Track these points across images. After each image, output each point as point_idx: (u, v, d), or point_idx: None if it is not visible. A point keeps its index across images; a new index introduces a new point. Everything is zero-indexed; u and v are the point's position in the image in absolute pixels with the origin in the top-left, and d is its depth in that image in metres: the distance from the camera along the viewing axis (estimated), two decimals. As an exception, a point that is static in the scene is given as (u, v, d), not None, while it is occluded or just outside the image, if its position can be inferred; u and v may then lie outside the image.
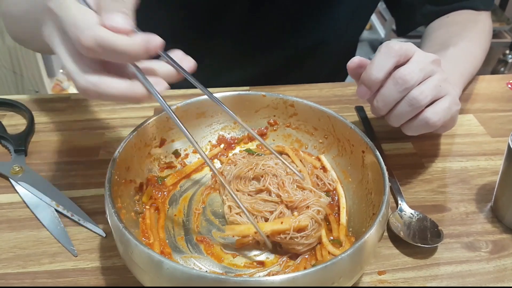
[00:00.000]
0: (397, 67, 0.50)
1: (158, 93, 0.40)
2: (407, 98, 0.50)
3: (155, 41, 0.38)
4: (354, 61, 0.53)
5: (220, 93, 0.57)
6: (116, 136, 0.65)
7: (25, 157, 0.61)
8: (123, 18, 0.37)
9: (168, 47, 0.42)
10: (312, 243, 0.47)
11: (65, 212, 0.53)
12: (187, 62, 0.44)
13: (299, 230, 0.46)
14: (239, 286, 0.35)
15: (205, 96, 0.57)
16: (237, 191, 0.51)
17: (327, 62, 0.87)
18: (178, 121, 0.42)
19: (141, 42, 0.37)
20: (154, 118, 0.54)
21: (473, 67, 0.72)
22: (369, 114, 0.69)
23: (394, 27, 2.54)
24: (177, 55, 0.44)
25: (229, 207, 0.51)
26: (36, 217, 0.53)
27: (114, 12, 0.37)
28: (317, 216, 0.47)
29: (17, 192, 0.55)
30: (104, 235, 0.51)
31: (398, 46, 0.49)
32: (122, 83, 0.39)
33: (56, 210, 0.53)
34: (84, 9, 0.38)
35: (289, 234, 0.45)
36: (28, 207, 0.54)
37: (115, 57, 0.37)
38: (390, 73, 0.50)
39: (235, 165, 0.55)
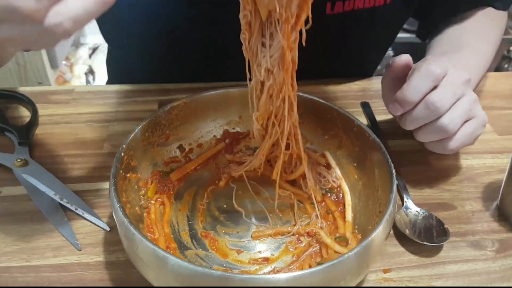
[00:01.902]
0: None
1: None
2: (437, 124, 0.50)
3: None
4: (403, 59, 0.53)
5: (227, 88, 0.57)
6: (121, 129, 0.65)
7: (29, 149, 0.60)
8: None
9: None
10: None
11: (68, 205, 0.52)
12: None
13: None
14: (244, 285, 0.35)
15: (211, 91, 0.57)
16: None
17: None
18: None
19: None
20: (159, 112, 0.54)
21: (485, 67, 0.71)
22: (375, 110, 0.69)
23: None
24: None
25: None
26: (39, 210, 0.52)
27: None
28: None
29: (21, 185, 0.55)
30: (108, 229, 0.51)
31: (438, 70, 0.50)
32: None
33: (60, 204, 0.53)
34: None
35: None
36: (32, 199, 0.53)
37: None
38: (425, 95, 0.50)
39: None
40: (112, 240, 0.50)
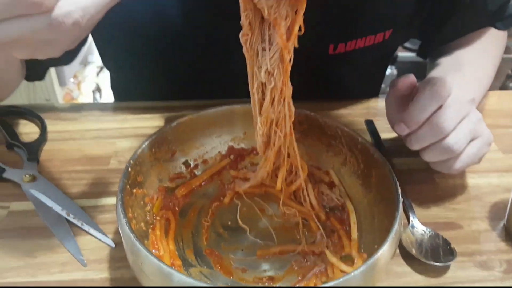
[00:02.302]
0: None
1: None
2: (443, 144, 0.51)
3: None
4: (407, 79, 0.54)
5: (232, 105, 0.57)
6: (127, 145, 0.66)
7: (37, 165, 0.61)
8: None
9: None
10: None
11: (75, 221, 0.53)
12: None
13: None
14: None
15: (217, 108, 0.58)
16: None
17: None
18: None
19: None
20: (166, 128, 0.54)
21: (487, 84, 0.72)
22: (379, 128, 0.69)
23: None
24: None
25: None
26: (46, 225, 0.53)
27: None
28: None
29: (28, 200, 0.55)
30: (113, 245, 0.51)
31: (444, 91, 0.50)
32: None
33: (67, 219, 0.53)
34: None
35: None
36: (39, 215, 0.54)
37: None
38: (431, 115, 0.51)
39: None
40: (117, 257, 0.50)
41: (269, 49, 0.43)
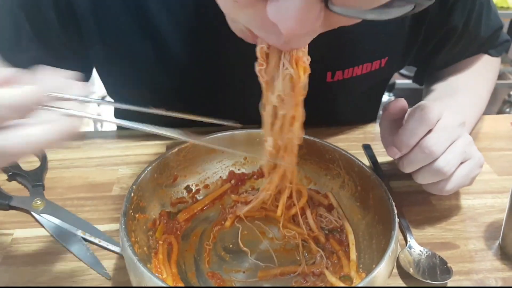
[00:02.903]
0: None
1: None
2: (433, 167, 0.52)
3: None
4: (398, 103, 0.56)
5: (233, 131, 0.59)
6: (129, 172, 0.67)
7: (43, 191, 0.62)
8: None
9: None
10: None
11: (92, 239, 0.54)
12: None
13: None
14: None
15: (218, 133, 0.60)
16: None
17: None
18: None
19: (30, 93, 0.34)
20: (168, 154, 0.56)
21: (481, 109, 0.74)
22: (376, 152, 0.71)
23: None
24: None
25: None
26: (65, 247, 0.54)
27: None
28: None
29: (42, 225, 0.57)
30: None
31: (432, 115, 0.52)
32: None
33: (83, 238, 0.54)
34: None
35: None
36: (55, 238, 0.55)
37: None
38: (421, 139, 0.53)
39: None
40: (121, 280, 0.50)
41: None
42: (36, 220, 0.57)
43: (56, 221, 0.56)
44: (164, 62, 0.67)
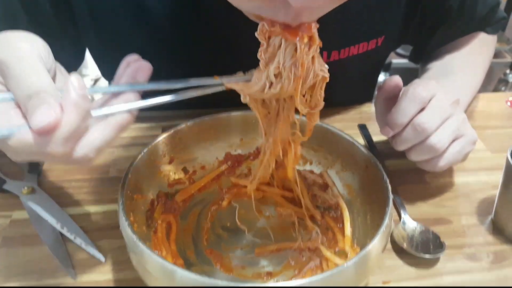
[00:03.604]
0: None
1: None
2: (425, 144, 0.53)
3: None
4: (393, 81, 0.56)
5: (229, 112, 0.60)
6: (125, 154, 0.67)
7: (39, 177, 0.62)
8: (46, 111, 0.34)
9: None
10: None
11: (68, 234, 0.54)
12: (142, 73, 0.43)
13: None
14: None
15: (213, 115, 0.60)
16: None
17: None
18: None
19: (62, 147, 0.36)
20: (164, 136, 0.56)
21: (475, 87, 0.74)
22: (372, 132, 0.71)
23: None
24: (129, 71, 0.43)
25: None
26: (40, 238, 0.53)
27: (36, 109, 0.34)
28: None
29: (27, 213, 0.56)
30: (103, 260, 0.51)
31: (424, 93, 0.53)
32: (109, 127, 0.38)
33: (61, 233, 0.54)
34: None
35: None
36: (34, 226, 0.55)
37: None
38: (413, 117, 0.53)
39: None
40: (121, 260, 0.51)
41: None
42: (24, 207, 0.57)
43: (39, 210, 0.56)
44: (156, 43, 0.67)
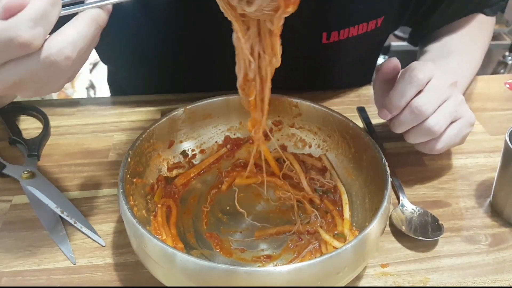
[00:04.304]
0: None
1: None
2: (423, 127, 0.53)
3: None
4: (390, 63, 0.56)
5: (227, 96, 0.59)
6: (125, 138, 0.67)
7: (38, 161, 0.62)
8: None
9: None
10: None
11: (68, 219, 0.54)
12: None
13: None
14: (249, 277, 0.37)
15: (212, 99, 0.60)
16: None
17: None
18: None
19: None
20: (163, 119, 0.56)
21: (474, 70, 0.74)
22: (371, 114, 0.71)
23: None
24: None
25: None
26: (40, 222, 0.54)
27: None
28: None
29: (27, 197, 0.57)
30: (103, 244, 0.52)
31: (421, 76, 0.52)
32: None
33: (61, 217, 0.54)
34: None
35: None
36: (34, 211, 0.55)
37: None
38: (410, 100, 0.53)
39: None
40: (121, 243, 0.51)
41: None
42: (24, 191, 0.57)
43: (39, 194, 0.56)
44: (152, 25, 0.66)
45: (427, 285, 0.47)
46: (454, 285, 0.47)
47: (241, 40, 0.44)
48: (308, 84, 0.76)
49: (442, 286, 0.47)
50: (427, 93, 0.52)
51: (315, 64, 0.76)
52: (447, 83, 0.54)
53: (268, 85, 0.48)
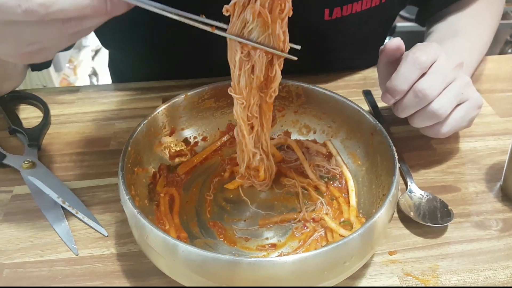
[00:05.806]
0: None
1: None
2: (427, 110, 0.51)
3: None
4: (393, 43, 0.53)
5: (229, 81, 0.58)
6: (126, 126, 0.66)
7: (38, 151, 0.61)
8: None
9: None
10: None
11: (70, 209, 0.53)
12: None
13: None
14: (252, 268, 0.36)
15: (214, 84, 0.58)
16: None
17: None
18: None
19: None
20: (164, 107, 0.55)
21: (482, 50, 0.72)
22: (377, 98, 0.69)
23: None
24: None
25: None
26: (42, 212, 0.53)
27: None
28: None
29: (28, 187, 0.56)
30: (106, 234, 0.51)
31: (424, 58, 0.50)
32: None
33: (62, 207, 0.53)
34: None
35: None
36: (35, 201, 0.54)
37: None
38: (414, 83, 0.51)
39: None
40: (123, 233, 0.51)
41: None
42: (25, 181, 0.57)
43: (40, 184, 0.55)
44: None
45: (427, 285, 0.46)
46: (455, 286, 0.46)
47: (246, 138, 0.47)
48: (311, 66, 0.74)
49: (442, 286, 0.46)
50: (431, 75, 0.50)
51: (318, 44, 0.74)
52: (452, 65, 0.52)
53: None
